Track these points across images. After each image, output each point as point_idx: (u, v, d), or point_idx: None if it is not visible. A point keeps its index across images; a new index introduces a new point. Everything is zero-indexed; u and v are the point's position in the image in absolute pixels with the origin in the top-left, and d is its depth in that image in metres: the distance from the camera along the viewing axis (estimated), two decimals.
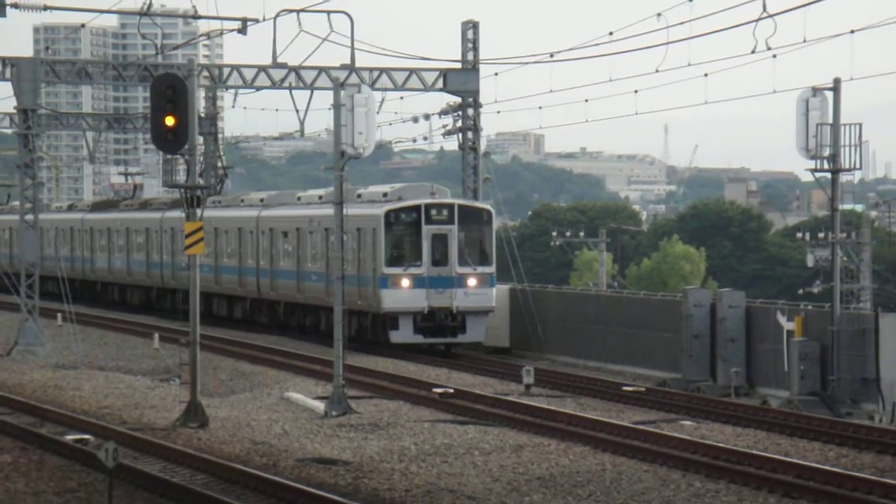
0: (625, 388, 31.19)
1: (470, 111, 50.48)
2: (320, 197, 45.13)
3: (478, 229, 39.48)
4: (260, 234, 47.41)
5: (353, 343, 37.76)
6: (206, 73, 49.50)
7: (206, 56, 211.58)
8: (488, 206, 40.82)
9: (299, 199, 46.87)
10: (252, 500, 19.55)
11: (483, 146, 53.13)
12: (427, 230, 39.16)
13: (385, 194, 41.22)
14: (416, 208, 39.45)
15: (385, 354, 38.96)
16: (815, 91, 32.93)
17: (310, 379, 34.08)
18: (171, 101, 26.23)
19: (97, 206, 65.84)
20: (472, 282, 38.68)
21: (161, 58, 53.17)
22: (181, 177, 27.92)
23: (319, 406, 28.74)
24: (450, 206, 39.64)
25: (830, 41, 32.51)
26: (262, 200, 49.20)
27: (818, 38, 31.79)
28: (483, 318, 38.91)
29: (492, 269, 39.19)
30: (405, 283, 38.80)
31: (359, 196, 42.19)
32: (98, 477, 20.77)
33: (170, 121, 26.25)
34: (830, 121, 32.81)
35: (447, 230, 39.11)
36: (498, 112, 52.70)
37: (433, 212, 39.39)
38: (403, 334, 38.74)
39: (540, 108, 47.84)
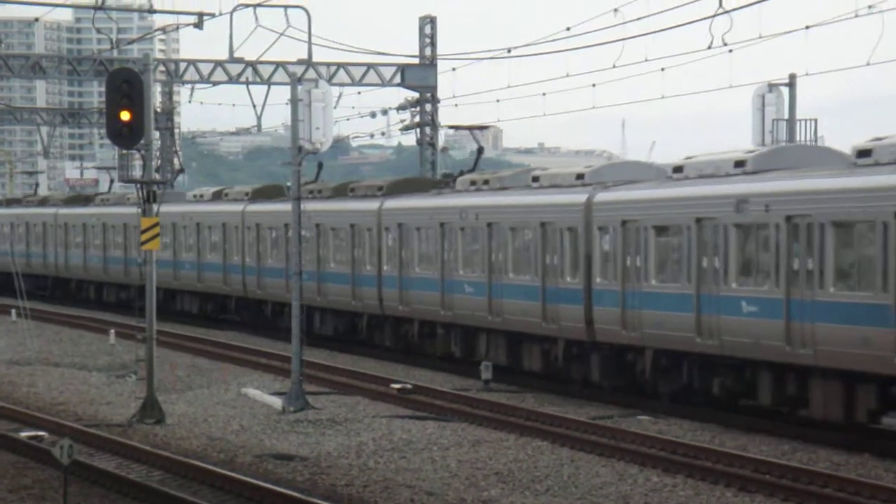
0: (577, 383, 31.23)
1: (428, 106, 50.52)
2: (535, 180, 31.17)
3: None
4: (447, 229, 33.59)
5: (839, 434, 22.60)
6: (162, 68, 49.28)
7: (161, 51, 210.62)
8: None
9: (536, 179, 31.64)
10: (209, 496, 19.46)
11: (441, 141, 53.19)
12: None
13: None
14: None
15: (344, 350, 38.85)
16: (771, 87, 33.13)
17: (268, 374, 33.98)
18: (126, 95, 26.07)
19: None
20: None
21: (116, 52, 52.95)
22: (137, 172, 27.76)
23: (277, 402, 28.65)
24: None
25: (786, 37, 32.71)
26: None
27: (774, 34, 31.98)
28: None
29: None
30: None
31: (867, 154, 22.56)
32: (53, 474, 20.61)
33: (125, 116, 26.09)
34: (786, 116, 33.02)
35: None
36: (456, 106, 52.79)
37: None
38: None
39: (497, 101, 47.89)
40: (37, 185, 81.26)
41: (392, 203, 36.30)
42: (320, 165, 43.36)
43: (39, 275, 61.93)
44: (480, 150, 36.94)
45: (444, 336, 33.88)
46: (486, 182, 33.66)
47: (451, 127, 38.10)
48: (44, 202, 64.80)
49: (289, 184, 46.77)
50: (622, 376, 27.85)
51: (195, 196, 50.75)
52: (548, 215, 29.67)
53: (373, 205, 37.16)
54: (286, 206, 39.35)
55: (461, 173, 36.28)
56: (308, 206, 38.10)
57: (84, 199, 61.62)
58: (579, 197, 28.72)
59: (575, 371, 29.24)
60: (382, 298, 36.37)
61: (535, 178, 31.40)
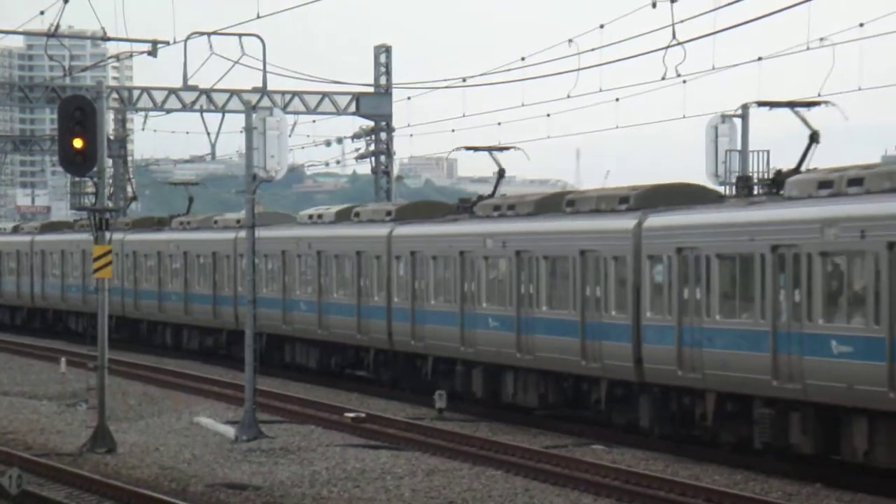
0: (537, 412, 31.22)
1: (383, 135, 50.59)
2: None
3: None
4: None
5: None
6: (115, 96, 49.12)
7: (115, 78, 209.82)
8: None
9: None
10: None
11: (396, 170, 53.25)
12: None
13: None
14: None
15: (296, 378, 38.65)
16: (724, 118, 33.36)
17: (220, 403, 33.76)
18: (79, 122, 25.93)
19: None
20: None
21: (69, 79, 52.69)
22: (90, 200, 27.61)
23: (230, 431, 28.47)
24: None
25: (739, 68, 33.00)
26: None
27: (727, 66, 32.29)
28: None
29: None
30: None
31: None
32: None
33: (78, 143, 25.95)
34: (739, 147, 33.26)
35: None
36: (411, 135, 52.91)
37: None
38: None
39: (453, 130, 48.02)
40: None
41: (662, 219, 25.22)
42: (499, 176, 33.16)
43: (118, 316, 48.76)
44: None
45: (776, 419, 22.40)
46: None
47: None
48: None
49: (478, 198, 32.54)
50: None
51: (311, 217, 39.11)
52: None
53: (623, 223, 26.01)
54: (460, 228, 31.07)
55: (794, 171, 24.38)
56: (496, 227, 29.82)
57: (157, 223, 49.65)
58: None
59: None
60: (642, 359, 25.39)
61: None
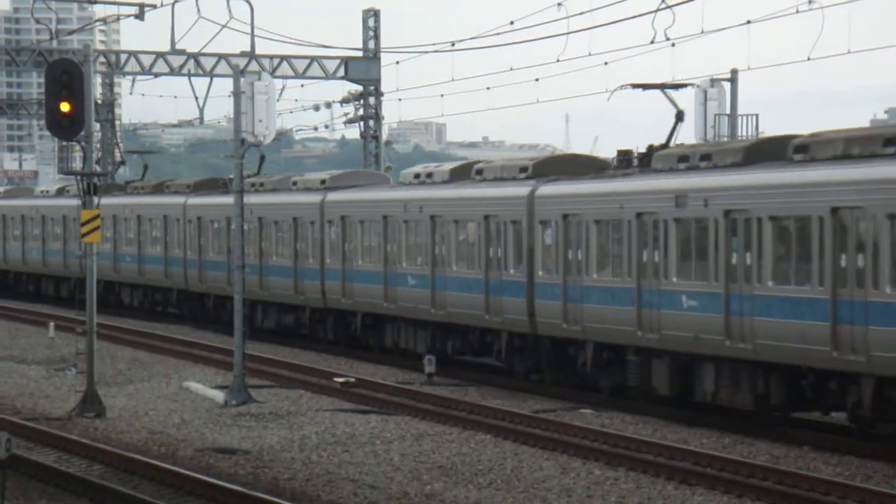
0: (531, 377, 31.28)
1: (371, 99, 50.50)
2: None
3: None
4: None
5: None
6: (102, 59, 48.96)
7: (102, 42, 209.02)
8: None
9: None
10: (150, 490, 19.34)
11: (385, 135, 53.22)
12: None
13: None
14: None
15: (286, 343, 38.69)
16: (713, 82, 33.37)
17: (210, 368, 33.80)
18: (66, 86, 25.83)
19: None
20: None
21: (56, 43, 52.51)
22: (77, 164, 27.57)
23: (219, 395, 28.52)
24: None
25: (728, 32, 33.00)
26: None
27: (716, 30, 32.27)
28: None
29: None
30: None
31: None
32: None
33: (65, 107, 25.85)
34: (728, 111, 33.28)
35: None
36: (399, 100, 52.78)
37: None
38: None
39: (442, 95, 47.96)
40: None
41: None
42: (677, 119, 27.15)
43: (157, 287, 45.84)
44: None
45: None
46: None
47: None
48: (159, 189, 46.87)
49: (649, 147, 25.20)
50: None
51: (418, 176, 32.98)
52: None
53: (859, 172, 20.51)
54: (634, 184, 25.16)
55: None
56: (690, 181, 23.98)
57: (223, 185, 41.82)
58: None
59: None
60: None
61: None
